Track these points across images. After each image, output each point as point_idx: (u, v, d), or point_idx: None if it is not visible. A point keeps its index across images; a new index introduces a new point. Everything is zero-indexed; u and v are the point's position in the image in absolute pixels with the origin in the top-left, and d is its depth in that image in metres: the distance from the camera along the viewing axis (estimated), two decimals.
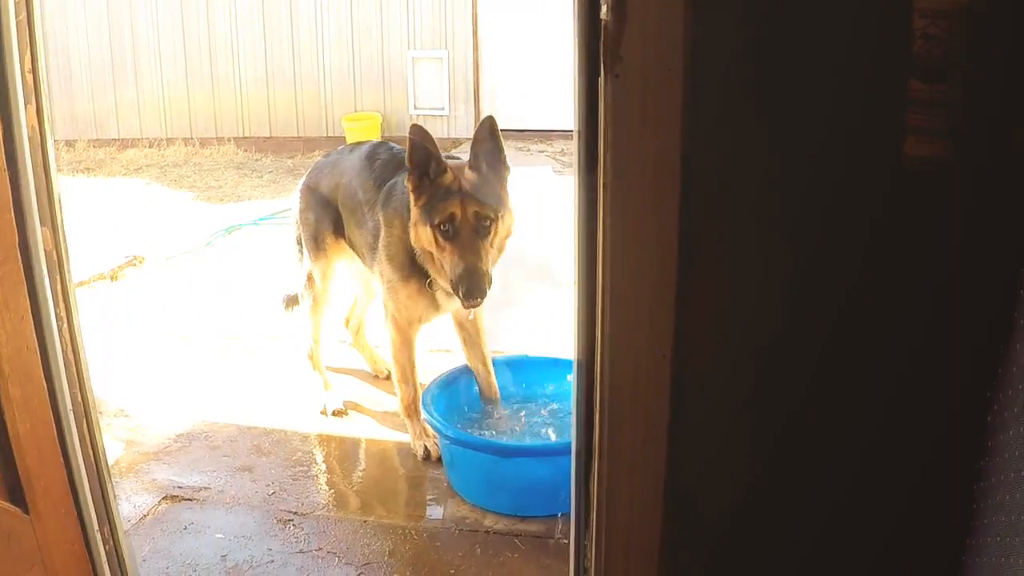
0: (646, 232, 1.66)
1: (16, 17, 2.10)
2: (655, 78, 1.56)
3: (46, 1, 10.86)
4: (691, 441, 1.79)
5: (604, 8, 1.55)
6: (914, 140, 1.54)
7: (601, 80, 1.60)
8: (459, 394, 3.70)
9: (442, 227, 3.23)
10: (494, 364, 3.80)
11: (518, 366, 3.82)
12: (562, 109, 9.24)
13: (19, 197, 2.17)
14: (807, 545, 1.86)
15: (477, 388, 3.72)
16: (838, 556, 1.85)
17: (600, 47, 1.58)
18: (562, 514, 2.99)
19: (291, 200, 4.27)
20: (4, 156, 2.11)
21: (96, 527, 2.46)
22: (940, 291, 1.61)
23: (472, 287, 3.19)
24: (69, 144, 10.77)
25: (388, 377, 4.26)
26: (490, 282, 3.24)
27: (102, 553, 2.50)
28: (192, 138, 11.14)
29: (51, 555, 2.30)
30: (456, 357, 4.34)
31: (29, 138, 2.17)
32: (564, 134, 9.73)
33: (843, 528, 1.82)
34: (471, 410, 3.63)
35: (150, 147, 11.07)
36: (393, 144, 3.98)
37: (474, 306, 3.30)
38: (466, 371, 3.77)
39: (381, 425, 3.87)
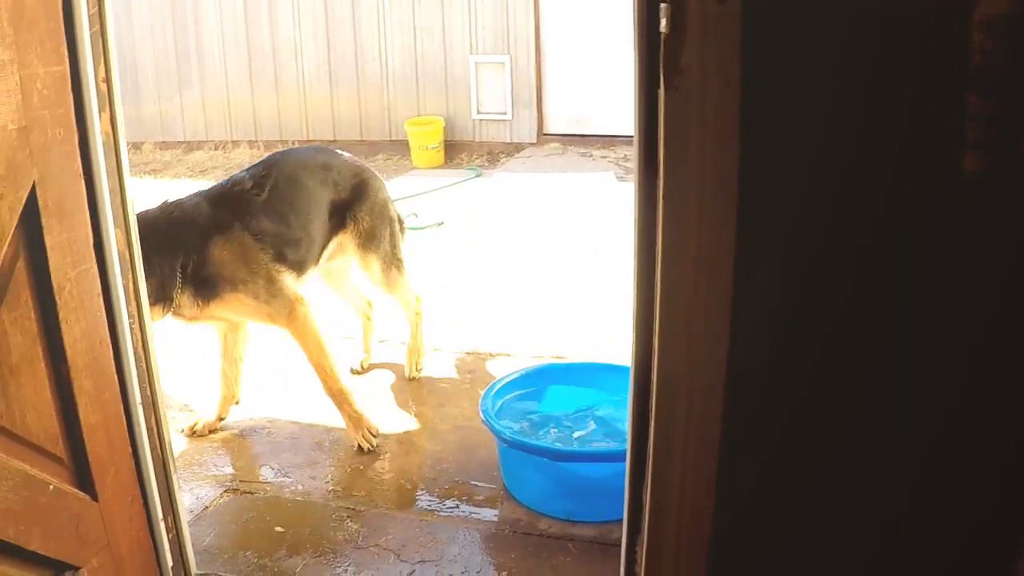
0: (703, 242, 1.68)
1: (90, 29, 2.18)
2: (714, 90, 1.58)
3: (112, 6, 11.07)
4: (743, 448, 1.81)
5: (663, 21, 1.58)
6: (973, 155, 1.55)
7: (660, 92, 1.63)
8: (527, 397, 3.74)
9: None
10: (570, 368, 3.90)
11: (588, 371, 3.84)
12: (625, 115, 9.22)
13: (94, 200, 2.26)
14: (848, 545, 1.86)
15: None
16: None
17: (660, 60, 1.61)
18: (616, 520, 3.01)
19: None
20: (80, 161, 2.20)
21: (160, 516, 2.54)
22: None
23: None
24: (135, 146, 10.96)
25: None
26: None
27: (165, 541, 2.58)
28: (257, 140, 11.29)
29: (117, 541, 2.38)
30: (519, 360, 4.41)
31: (103, 144, 2.26)
32: (627, 140, 9.69)
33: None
34: (539, 412, 3.66)
35: (215, 149, 11.24)
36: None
37: None
38: (536, 374, 3.83)
39: (438, 426, 3.93)
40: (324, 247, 4.08)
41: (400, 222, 4.47)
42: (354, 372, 4.50)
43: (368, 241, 4.21)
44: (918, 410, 1.71)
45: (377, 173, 4.38)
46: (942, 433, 1.70)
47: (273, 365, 4.61)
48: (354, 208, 4.16)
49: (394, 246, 4.34)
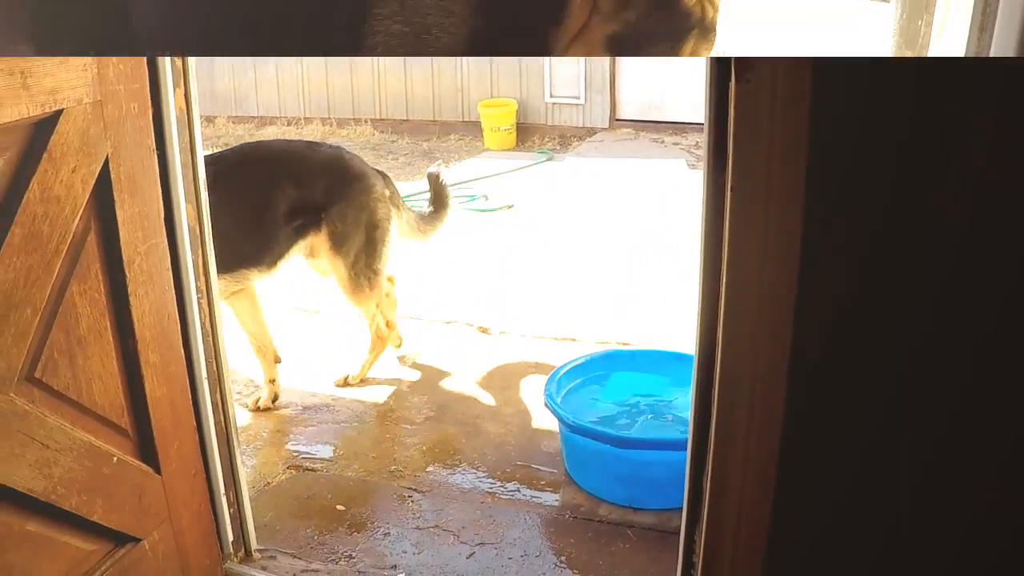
0: (769, 235, 1.66)
1: None
2: (784, 85, 1.56)
3: None
4: (804, 440, 1.79)
5: None
6: None
7: (731, 85, 1.61)
8: (590, 382, 3.72)
9: None
10: (636, 355, 3.86)
11: (653, 359, 3.81)
12: (697, 102, 9.13)
13: (166, 175, 2.28)
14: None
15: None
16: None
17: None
18: (677, 508, 2.99)
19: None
20: (153, 136, 2.22)
21: (223, 490, 2.58)
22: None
23: None
24: (208, 120, 11.06)
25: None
26: None
27: (226, 516, 2.61)
28: (330, 118, 11.33)
29: (179, 513, 2.41)
30: (584, 346, 4.41)
31: (176, 120, 2.28)
32: (699, 127, 9.50)
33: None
34: (603, 398, 3.64)
35: (288, 125, 11.29)
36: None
37: None
38: (601, 359, 3.82)
39: (502, 409, 3.93)
40: (281, 250, 3.93)
41: (387, 228, 4.12)
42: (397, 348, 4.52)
43: (338, 245, 3.99)
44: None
45: (372, 172, 4.14)
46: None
47: (338, 343, 4.65)
48: (328, 209, 3.95)
49: (370, 255, 4.05)
